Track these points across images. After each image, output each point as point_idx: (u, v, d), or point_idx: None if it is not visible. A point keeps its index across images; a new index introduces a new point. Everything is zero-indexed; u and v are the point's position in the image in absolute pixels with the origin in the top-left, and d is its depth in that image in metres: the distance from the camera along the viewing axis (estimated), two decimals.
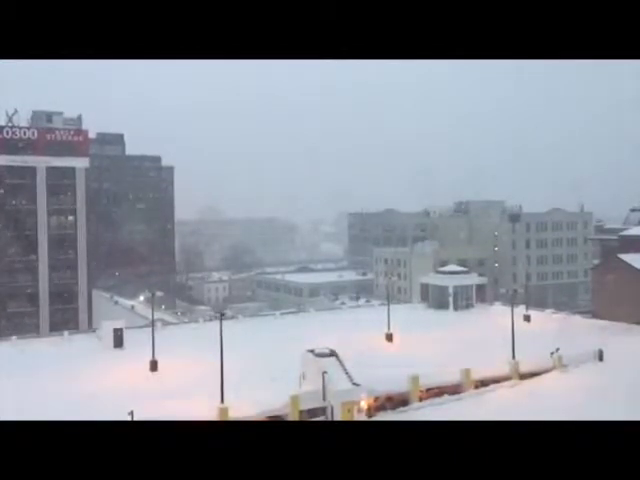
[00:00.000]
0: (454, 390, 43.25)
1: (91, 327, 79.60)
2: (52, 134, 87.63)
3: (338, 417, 37.91)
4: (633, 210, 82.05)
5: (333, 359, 41.63)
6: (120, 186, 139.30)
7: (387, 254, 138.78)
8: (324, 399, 39.18)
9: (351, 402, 38.50)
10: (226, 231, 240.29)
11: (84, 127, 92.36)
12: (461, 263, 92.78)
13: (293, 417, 37.51)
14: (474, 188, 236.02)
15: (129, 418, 30.42)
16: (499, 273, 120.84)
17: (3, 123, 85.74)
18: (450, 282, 75.78)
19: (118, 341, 55.81)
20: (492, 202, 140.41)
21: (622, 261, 63.64)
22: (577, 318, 69.10)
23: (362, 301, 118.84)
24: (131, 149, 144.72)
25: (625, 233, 71.73)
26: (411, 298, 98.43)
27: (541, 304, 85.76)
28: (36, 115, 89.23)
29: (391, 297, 66.66)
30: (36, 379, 43.70)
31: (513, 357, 45.72)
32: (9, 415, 26.65)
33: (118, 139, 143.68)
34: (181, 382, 43.36)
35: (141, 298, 76.44)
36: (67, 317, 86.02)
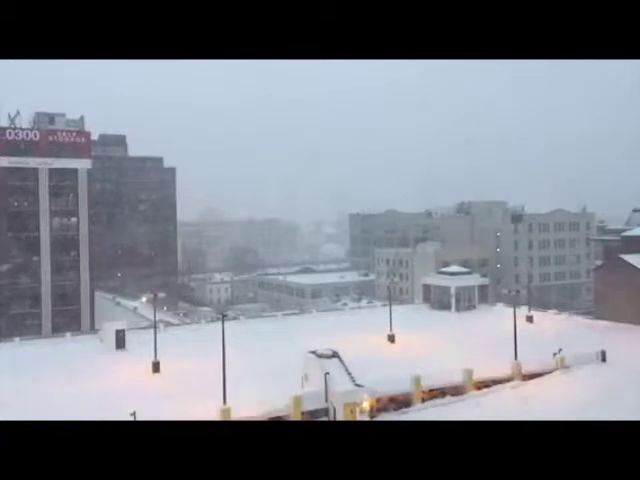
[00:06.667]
0: (456, 391, 43.20)
1: (93, 328, 79.70)
2: (54, 135, 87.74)
3: (340, 418, 37.91)
4: (635, 211, 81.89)
5: (335, 360, 41.67)
6: (122, 187, 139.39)
7: (389, 255, 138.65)
8: (326, 400, 39.20)
9: (353, 403, 38.50)
10: (228, 232, 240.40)
11: (86, 128, 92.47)
12: (463, 264, 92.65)
13: (295, 418, 37.51)
14: (476, 188, 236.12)
15: (131, 420, 30.42)
16: (501, 274, 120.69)
17: (5, 125, 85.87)
18: (452, 283, 75.75)
19: (120, 342, 55.88)
20: (494, 202, 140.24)
21: (624, 262, 63.56)
22: (579, 319, 69.00)
23: (364, 302, 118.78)
24: (133, 150, 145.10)
25: (627, 234, 71.55)
26: (413, 299, 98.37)
27: (543, 305, 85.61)
28: (38, 117, 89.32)
29: (393, 298, 66.59)
30: (38, 380, 43.73)
31: (515, 358, 45.65)
32: (10, 415, 26.66)
33: (120, 140, 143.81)
34: (183, 383, 43.39)
35: (143, 299, 76.27)
36: (69, 318, 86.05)
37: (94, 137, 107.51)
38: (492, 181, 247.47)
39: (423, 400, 42.15)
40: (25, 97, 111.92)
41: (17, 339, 60.38)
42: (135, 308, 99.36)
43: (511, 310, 50.45)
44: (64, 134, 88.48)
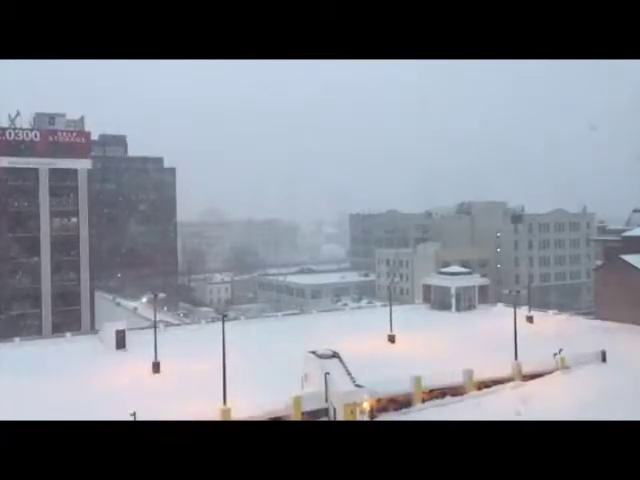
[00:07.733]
0: (456, 391, 43.19)
1: (93, 329, 79.65)
2: (54, 136, 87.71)
3: (340, 418, 37.91)
4: (636, 211, 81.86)
5: (335, 360, 41.63)
6: (122, 187, 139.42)
7: (389, 255, 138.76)
8: (326, 400, 39.20)
9: (353, 403, 38.49)
10: (228, 232, 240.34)
11: (86, 128, 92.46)
12: (463, 264, 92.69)
13: (295, 418, 37.51)
14: (476, 189, 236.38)
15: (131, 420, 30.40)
16: (501, 274, 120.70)
17: (6, 125, 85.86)
18: (452, 283, 75.74)
19: (120, 343, 55.88)
20: (494, 203, 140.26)
21: (625, 262, 63.55)
22: (580, 319, 69.01)
23: (364, 302, 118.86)
24: (133, 150, 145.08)
25: (628, 234, 71.50)
26: (413, 299, 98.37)
27: (544, 305, 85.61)
28: (38, 117, 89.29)
29: (393, 298, 66.56)
30: (39, 381, 43.73)
31: (516, 358, 45.65)
32: (10, 415, 26.65)
33: (120, 140, 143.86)
34: (183, 384, 43.39)
35: (143, 300, 76.32)
36: (69, 319, 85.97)
37: (94, 137, 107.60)
38: (492, 181, 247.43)
39: (423, 400, 42.14)
40: (25, 97, 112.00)
41: (17, 339, 60.38)
42: (135, 308, 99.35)
43: (511, 310, 50.45)
44: (64, 134, 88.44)
